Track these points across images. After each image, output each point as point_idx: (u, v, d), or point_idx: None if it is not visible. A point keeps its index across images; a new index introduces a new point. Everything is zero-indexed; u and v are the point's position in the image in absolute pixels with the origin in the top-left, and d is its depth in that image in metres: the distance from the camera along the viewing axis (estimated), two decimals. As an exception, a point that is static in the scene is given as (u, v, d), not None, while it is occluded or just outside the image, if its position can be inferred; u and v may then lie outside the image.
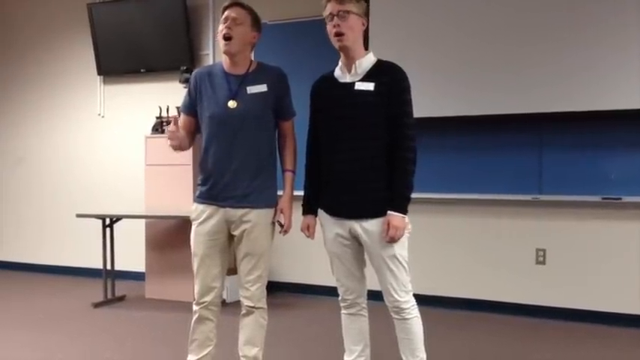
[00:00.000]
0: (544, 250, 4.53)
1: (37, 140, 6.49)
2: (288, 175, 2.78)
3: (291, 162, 2.79)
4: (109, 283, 5.00)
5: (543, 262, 4.54)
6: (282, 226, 2.75)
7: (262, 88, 2.67)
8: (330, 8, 2.54)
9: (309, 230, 2.77)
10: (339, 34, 2.53)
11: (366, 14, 2.62)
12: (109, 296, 5.00)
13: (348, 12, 2.51)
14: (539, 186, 4.45)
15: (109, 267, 4.99)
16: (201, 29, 5.70)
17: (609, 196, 4.24)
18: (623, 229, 4.32)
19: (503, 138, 4.57)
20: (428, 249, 4.79)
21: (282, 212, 2.74)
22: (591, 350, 3.77)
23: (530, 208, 4.56)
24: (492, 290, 4.67)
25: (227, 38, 2.61)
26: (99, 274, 5.09)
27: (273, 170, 2.76)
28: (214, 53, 5.62)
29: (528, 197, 4.48)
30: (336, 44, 2.58)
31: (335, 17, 2.53)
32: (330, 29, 2.56)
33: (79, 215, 5.00)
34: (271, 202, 2.74)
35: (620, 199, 4.22)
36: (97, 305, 4.84)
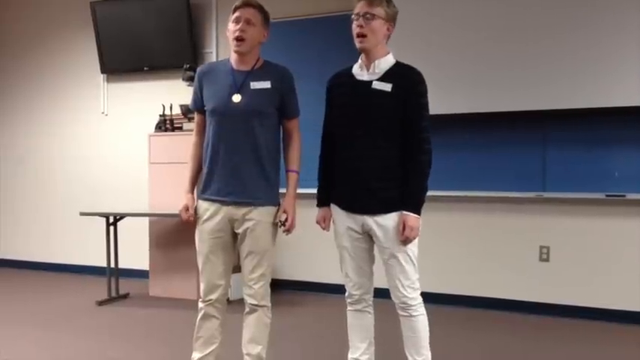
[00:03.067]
0: (548, 248, 4.53)
1: (40, 138, 6.50)
2: (292, 175, 2.76)
3: (294, 162, 2.77)
4: (113, 281, 5.01)
5: (547, 260, 4.53)
6: (283, 224, 2.73)
7: (266, 84, 2.66)
8: (358, 8, 2.57)
9: (324, 222, 2.79)
10: (360, 35, 2.57)
11: (394, 19, 2.63)
12: (113, 294, 5.01)
13: (373, 15, 2.54)
14: (543, 183, 4.44)
15: (112, 265, 4.99)
16: (205, 27, 5.69)
17: (613, 193, 4.23)
18: (627, 226, 4.32)
19: (507, 135, 4.57)
20: (430, 246, 4.78)
21: (284, 212, 2.73)
22: (595, 347, 3.77)
23: (534, 206, 4.56)
24: (496, 287, 4.67)
25: (240, 39, 2.61)
26: (103, 272, 5.10)
27: (277, 169, 2.75)
28: (217, 51, 5.62)
29: (532, 194, 4.48)
30: (357, 44, 2.61)
31: (360, 18, 2.55)
32: (354, 28, 2.59)
33: (82, 213, 5.00)
34: (274, 200, 2.73)
35: (624, 196, 4.21)
36: (101, 303, 4.85)
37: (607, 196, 4.25)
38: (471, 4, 4.48)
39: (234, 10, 2.64)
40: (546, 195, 4.44)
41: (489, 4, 4.44)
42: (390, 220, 2.58)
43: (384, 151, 2.58)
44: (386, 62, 2.62)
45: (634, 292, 4.28)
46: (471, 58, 4.49)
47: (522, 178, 4.49)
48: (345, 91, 2.68)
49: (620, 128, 4.23)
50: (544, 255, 4.54)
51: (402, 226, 2.55)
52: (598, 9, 4.15)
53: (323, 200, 2.80)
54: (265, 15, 2.69)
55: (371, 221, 2.61)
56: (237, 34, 2.60)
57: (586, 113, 4.23)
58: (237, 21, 2.62)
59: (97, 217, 5.07)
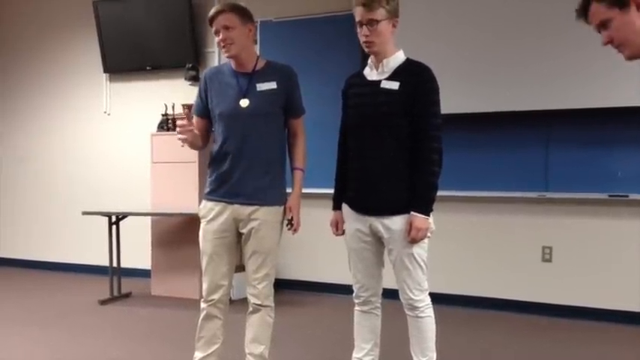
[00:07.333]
0: (550, 248, 4.52)
1: (42, 138, 6.50)
2: (298, 173, 2.78)
3: (300, 160, 2.78)
4: (115, 280, 5.02)
5: (550, 260, 4.53)
6: (291, 224, 2.73)
7: (272, 85, 2.68)
8: (359, 15, 2.51)
9: (337, 226, 2.77)
10: (367, 43, 2.53)
11: (397, 12, 2.56)
12: (115, 293, 5.01)
13: (377, 21, 2.48)
14: (546, 183, 4.44)
15: (115, 264, 4.99)
16: (206, 26, 5.62)
17: (616, 194, 4.22)
18: (629, 227, 4.31)
19: (510, 135, 4.56)
20: (431, 246, 4.71)
21: (290, 210, 2.73)
22: (598, 348, 3.77)
23: (536, 206, 4.55)
24: (498, 288, 4.66)
25: (225, 47, 2.64)
26: (105, 272, 5.11)
27: (283, 168, 2.76)
28: (219, 50, 5.61)
29: (535, 195, 4.47)
30: (365, 50, 2.58)
31: (364, 26, 2.50)
32: (360, 36, 2.55)
33: (85, 213, 5.00)
34: (280, 200, 2.74)
35: (627, 196, 4.20)
36: (103, 302, 4.86)
37: (610, 196, 4.24)
38: (472, 3, 4.48)
39: (210, 22, 2.65)
40: (549, 195, 4.44)
41: (490, 3, 4.43)
42: (396, 222, 2.55)
43: (393, 151, 2.54)
44: (395, 60, 2.59)
45: (637, 292, 4.27)
46: (472, 58, 4.48)
47: (525, 178, 4.48)
48: (356, 92, 2.67)
49: (623, 128, 4.23)
50: (546, 255, 4.53)
51: (409, 226, 2.52)
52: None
53: (338, 203, 2.78)
54: (241, 11, 2.65)
55: (378, 223, 2.59)
56: (221, 44, 2.64)
57: (589, 113, 4.22)
58: (216, 33, 2.64)
59: (99, 217, 5.07)
